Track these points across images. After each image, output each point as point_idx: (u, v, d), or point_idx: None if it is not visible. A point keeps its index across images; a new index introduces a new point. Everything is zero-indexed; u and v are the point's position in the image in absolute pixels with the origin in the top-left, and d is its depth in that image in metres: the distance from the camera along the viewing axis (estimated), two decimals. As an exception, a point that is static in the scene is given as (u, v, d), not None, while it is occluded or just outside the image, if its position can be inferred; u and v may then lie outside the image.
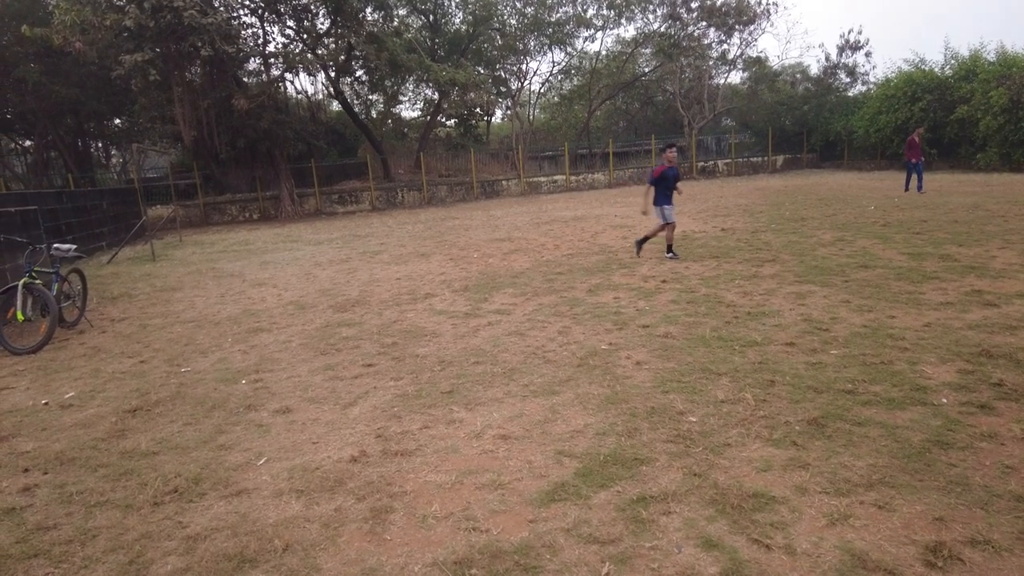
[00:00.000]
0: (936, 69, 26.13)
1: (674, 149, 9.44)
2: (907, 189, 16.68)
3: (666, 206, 9.20)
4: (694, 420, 3.75)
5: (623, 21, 31.60)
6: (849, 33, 33.51)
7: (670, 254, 9.29)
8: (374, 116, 30.70)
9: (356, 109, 28.95)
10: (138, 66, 18.51)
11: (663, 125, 34.61)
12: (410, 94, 32.51)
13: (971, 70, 24.52)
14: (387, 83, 27.44)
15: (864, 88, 31.12)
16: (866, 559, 2.43)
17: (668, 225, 9.25)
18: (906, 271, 7.30)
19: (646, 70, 34.87)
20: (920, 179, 16.36)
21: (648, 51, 33.56)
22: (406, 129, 32.82)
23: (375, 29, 22.50)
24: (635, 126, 38.25)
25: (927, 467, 3.07)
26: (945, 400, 3.80)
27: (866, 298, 6.25)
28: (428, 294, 8.10)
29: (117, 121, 29.35)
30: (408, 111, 34.56)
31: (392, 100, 30.30)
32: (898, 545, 2.51)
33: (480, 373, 4.92)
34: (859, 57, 30.90)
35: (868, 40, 31.10)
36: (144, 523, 3.05)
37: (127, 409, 4.65)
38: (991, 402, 3.75)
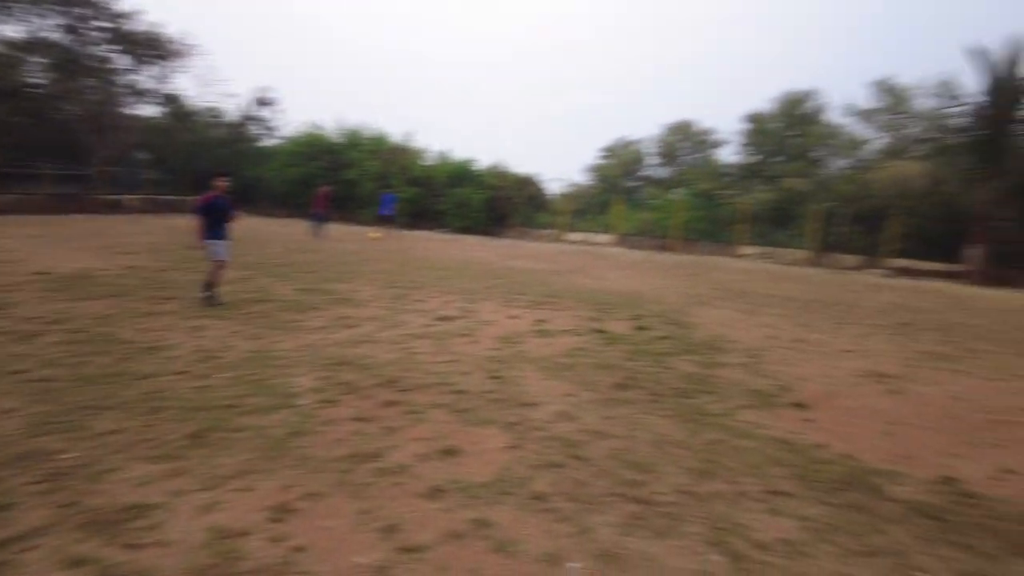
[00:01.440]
0: (331, 135, 31.10)
1: (226, 178, 8.96)
2: (315, 235, 19.34)
3: (217, 241, 8.42)
4: (74, 455, 3.66)
5: (5, 18, 25.94)
6: (262, 90, 36.29)
7: (207, 293, 8.32)
8: None
9: None
10: None
11: (65, 148, 29.66)
12: None
13: (355, 142, 30.22)
14: None
15: (277, 141, 34.21)
16: (227, 530, 3.01)
17: (217, 263, 8.40)
18: (295, 303, 8.62)
19: (39, 82, 29.36)
20: (322, 228, 19.38)
21: (45, 61, 28.43)
22: None
23: None
24: (25, 145, 31.54)
25: (284, 453, 3.91)
26: (305, 401, 4.83)
27: (258, 328, 7.14)
28: None
29: None
30: None
31: None
32: (253, 513, 3.18)
33: None
34: (270, 112, 33.82)
35: (278, 99, 34.35)
36: None
37: None
38: (337, 397, 4.98)
